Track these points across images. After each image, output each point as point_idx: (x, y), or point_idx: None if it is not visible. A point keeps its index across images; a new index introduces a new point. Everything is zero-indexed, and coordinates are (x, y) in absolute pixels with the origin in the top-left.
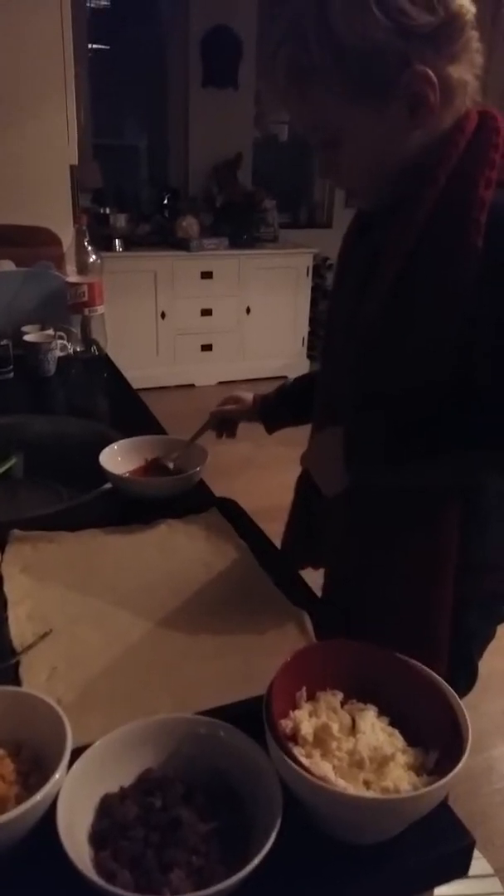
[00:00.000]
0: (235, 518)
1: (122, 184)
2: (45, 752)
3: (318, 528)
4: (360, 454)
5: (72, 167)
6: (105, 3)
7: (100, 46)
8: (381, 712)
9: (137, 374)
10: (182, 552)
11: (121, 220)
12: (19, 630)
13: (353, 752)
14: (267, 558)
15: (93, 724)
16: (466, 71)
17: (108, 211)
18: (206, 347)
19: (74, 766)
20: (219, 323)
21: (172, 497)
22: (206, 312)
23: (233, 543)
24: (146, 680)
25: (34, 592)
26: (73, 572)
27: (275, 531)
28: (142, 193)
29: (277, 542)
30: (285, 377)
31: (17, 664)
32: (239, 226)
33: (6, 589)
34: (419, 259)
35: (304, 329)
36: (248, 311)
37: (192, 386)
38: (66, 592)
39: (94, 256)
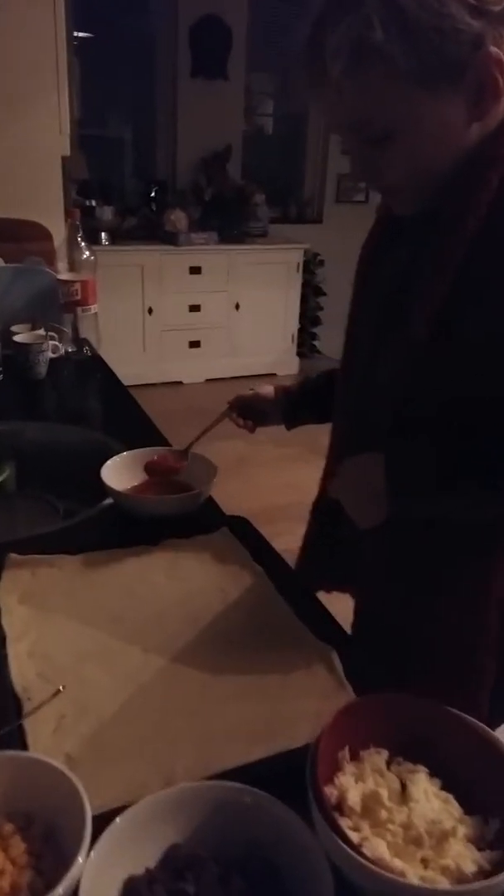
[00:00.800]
0: (248, 538)
1: (107, 176)
2: (58, 824)
3: (343, 557)
4: (404, 483)
5: (63, 158)
6: None
7: (84, 34)
8: (432, 773)
9: (124, 371)
10: (193, 578)
11: (107, 213)
12: (20, 670)
13: (407, 825)
14: (285, 585)
15: (106, 784)
16: None
17: (94, 203)
18: (195, 344)
19: (95, 849)
20: (207, 319)
21: (180, 515)
22: (195, 308)
23: (248, 568)
24: (162, 729)
25: (35, 625)
26: (76, 601)
27: (271, 533)
28: (128, 186)
29: (276, 545)
30: (274, 374)
31: (21, 710)
32: (228, 220)
33: (4, 623)
34: (474, 270)
35: (294, 326)
36: (237, 307)
37: (179, 383)
38: (69, 625)
39: (86, 253)
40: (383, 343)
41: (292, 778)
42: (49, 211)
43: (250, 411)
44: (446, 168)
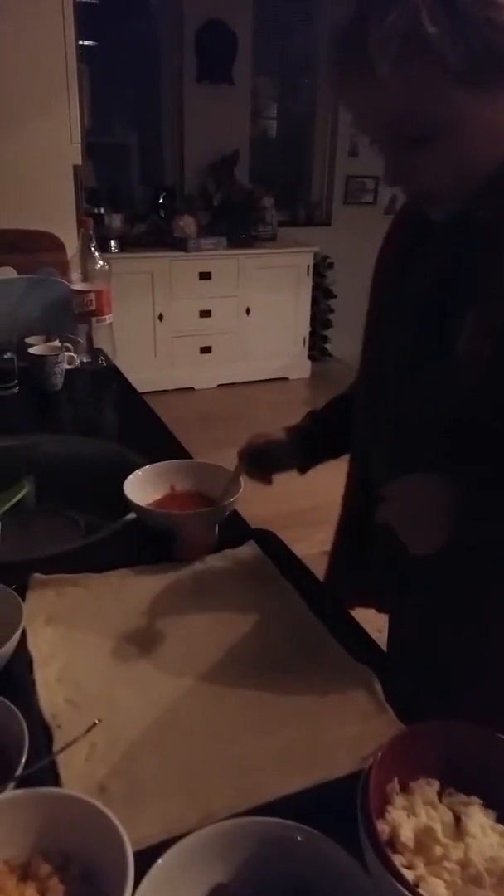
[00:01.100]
0: (275, 552)
1: (115, 183)
2: (96, 863)
3: (371, 574)
4: (474, 508)
5: (75, 168)
6: None
7: (89, 42)
8: (486, 805)
9: (135, 377)
10: (222, 596)
11: (116, 221)
12: (49, 696)
13: (465, 863)
14: (316, 601)
15: (142, 819)
16: None
17: (103, 211)
18: (205, 349)
19: (138, 892)
20: (218, 324)
21: None
22: (205, 314)
23: (277, 584)
24: (196, 758)
25: (62, 648)
26: (103, 622)
27: (287, 540)
28: (136, 192)
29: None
30: (286, 379)
31: (51, 738)
32: (237, 224)
33: (31, 646)
34: None
35: (305, 329)
36: (247, 311)
37: (191, 389)
38: (97, 647)
39: (100, 262)
40: (422, 355)
41: (335, 809)
42: (62, 221)
43: (264, 457)
44: (487, 170)
